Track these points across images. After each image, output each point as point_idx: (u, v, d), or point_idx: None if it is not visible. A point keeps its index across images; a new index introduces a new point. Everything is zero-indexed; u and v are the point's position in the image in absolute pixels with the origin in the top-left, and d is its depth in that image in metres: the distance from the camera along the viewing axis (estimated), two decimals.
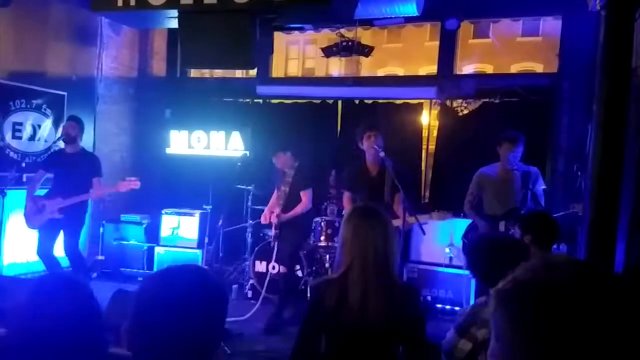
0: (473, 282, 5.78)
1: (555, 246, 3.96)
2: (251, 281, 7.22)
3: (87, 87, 8.30)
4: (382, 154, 5.47)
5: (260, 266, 7.21)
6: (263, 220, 6.64)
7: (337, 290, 2.62)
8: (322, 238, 7.40)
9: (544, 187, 5.81)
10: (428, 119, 8.58)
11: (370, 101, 8.49)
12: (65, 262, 6.45)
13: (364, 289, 2.58)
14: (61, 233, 6.37)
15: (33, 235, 6.49)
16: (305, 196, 6.20)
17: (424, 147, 8.44)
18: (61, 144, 7.11)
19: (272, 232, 6.55)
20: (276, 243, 6.52)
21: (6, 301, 2.12)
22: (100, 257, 7.92)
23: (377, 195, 5.63)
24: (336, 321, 2.60)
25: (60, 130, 7.59)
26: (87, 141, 6.86)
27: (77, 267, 6.38)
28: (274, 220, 6.34)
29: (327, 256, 7.48)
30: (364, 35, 8.95)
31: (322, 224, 7.44)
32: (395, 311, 2.58)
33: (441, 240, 6.68)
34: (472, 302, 5.69)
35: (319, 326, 2.67)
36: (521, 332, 0.85)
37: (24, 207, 6.42)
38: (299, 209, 6.23)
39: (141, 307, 1.50)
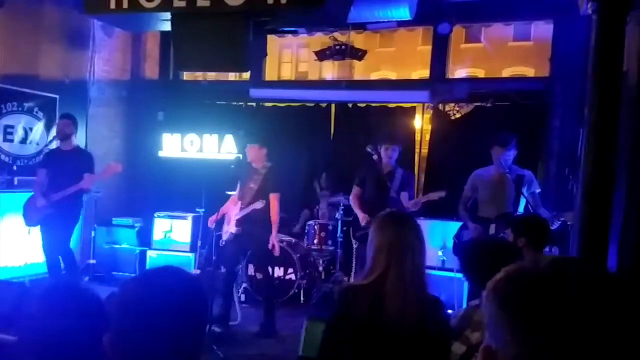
0: (466, 285, 5.79)
1: (547, 249, 3.98)
2: (244, 285, 7.21)
3: (79, 90, 8.27)
4: (400, 171, 6.29)
5: (253, 270, 7.19)
6: (212, 221, 6.28)
7: (370, 298, 2.51)
8: (316, 241, 7.41)
9: (539, 190, 5.84)
10: (421, 122, 8.60)
11: (363, 105, 8.50)
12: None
13: (402, 298, 2.49)
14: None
15: (27, 238, 6.53)
16: (276, 199, 6.07)
17: (417, 150, 8.46)
18: (53, 147, 7.10)
19: (232, 230, 6.15)
20: (231, 242, 6.19)
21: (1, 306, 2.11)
22: (91, 261, 7.88)
23: (384, 191, 6.17)
24: (370, 330, 2.50)
25: (52, 133, 7.59)
26: (79, 144, 6.84)
27: (69, 266, 6.43)
28: (236, 216, 6.09)
29: (321, 260, 7.49)
30: (357, 39, 8.96)
31: (316, 227, 7.44)
32: (428, 321, 2.51)
33: (434, 243, 6.69)
34: (464, 305, 5.70)
35: (345, 334, 2.55)
36: (510, 318, 0.91)
37: (24, 207, 6.45)
38: (276, 215, 6.07)
39: (122, 314, 1.48)
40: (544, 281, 0.91)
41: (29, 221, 6.45)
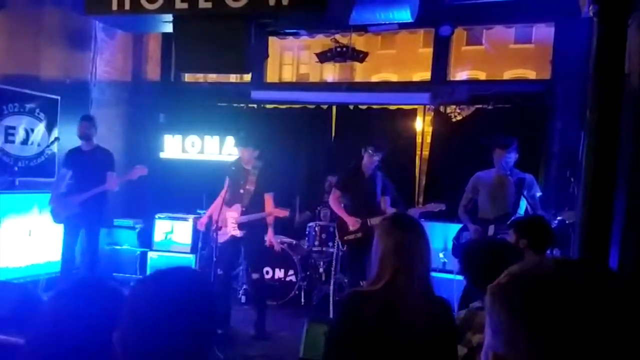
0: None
1: (549, 251, 3.97)
2: (245, 287, 7.20)
3: (80, 91, 8.27)
4: (380, 175, 6.36)
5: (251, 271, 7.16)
6: (199, 226, 6.42)
7: (380, 305, 2.48)
8: (316, 243, 7.40)
9: (539, 194, 5.83)
10: (422, 124, 8.59)
11: (364, 107, 8.50)
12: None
13: (413, 304, 2.48)
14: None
15: (28, 240, 6.71)
16: (270, 199, 6.09)
17: (418, 153, 8.45)
18: (54, 148, 7.13)
19: (236, 233, 6.08)
20: (230, 245, 6.14)
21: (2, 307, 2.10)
22: None
23: (370, 195, 6.29)
24: (379, 336, 2.47)
25: (53, 134, 7.61)
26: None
27: (90, 266, 6.58)
28: (239, 220, 6.05)
29: (321, 261, 7.48)
30: (358, 42, 8.96)
31: (316, 228, 7.44)
32: (438, 325, 2.51)
33: (435, 245, 6.68)
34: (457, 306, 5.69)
35: (351, 340, 2.52)
36: (520, 322, 0.90)
37: (50, 205, 6.61)
38: (271, 214, 6.10)
39: (133, 313, 1.48)
40: (556, 284, 0.90)
41: (57, 218, 6.60)
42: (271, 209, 6.05)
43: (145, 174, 6.72)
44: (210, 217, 6.25)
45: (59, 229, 6.78)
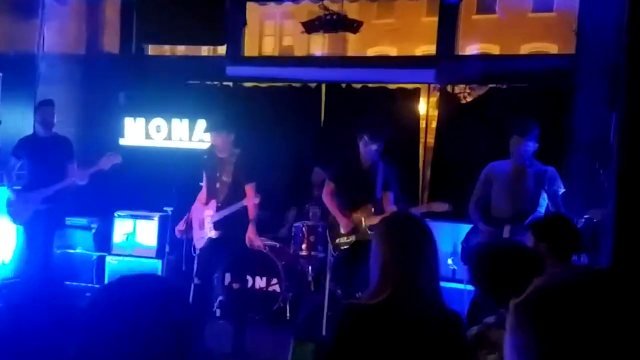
0: None
1: (575, 257, 3.96)
2: (220, 298, 7.11)
3: (26, 66, 8.16)
4: (381, 166, 6.20)
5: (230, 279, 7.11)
6: (180, 231, 6.41)
7: (381, 321, 2.48)
8: (304, 247, 7.30)
9: (562, 190, 5.80)
10: (426, 107, 8.58)
11: (358, 85, 8.48)
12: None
13: (419, 320, 2.48)
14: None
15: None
16: (252, 190, 5.99)
17: (422, 140, 8.44)
18: None
19: (210, 235, 6.08)
20: (207, 249, 6.16)
21: None
22: None
23: (368, 190, 6.16)
24: (381, 356, 2.47)
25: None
26: (27, 128, 6.80)
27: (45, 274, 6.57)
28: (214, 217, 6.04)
29: (310, 268, 7.41)
30: (351, 9, 8.92)
31: (304, 229, 7.33)
32: (447, 343, 2.50)
33: (442, 249, 6.64)
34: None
35: None
36: (554, 344, 0.89)
37: (7, 203, 6.60)
38: (253, 207, 6.01)
39: (92, 325, 1.46)
40: (595, 301, 0.88)
41: (18, 218, 6.58)
42: (250, 201, 5.97)
43: (118, 162, 6.69)
44: (187, 221, 6.22)
45: (9, 227, 6.73)
